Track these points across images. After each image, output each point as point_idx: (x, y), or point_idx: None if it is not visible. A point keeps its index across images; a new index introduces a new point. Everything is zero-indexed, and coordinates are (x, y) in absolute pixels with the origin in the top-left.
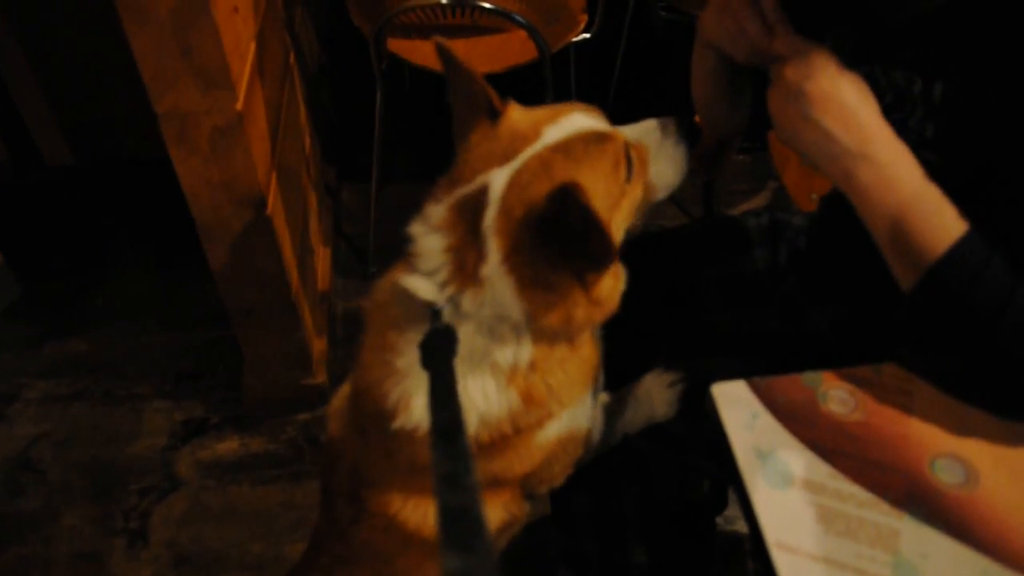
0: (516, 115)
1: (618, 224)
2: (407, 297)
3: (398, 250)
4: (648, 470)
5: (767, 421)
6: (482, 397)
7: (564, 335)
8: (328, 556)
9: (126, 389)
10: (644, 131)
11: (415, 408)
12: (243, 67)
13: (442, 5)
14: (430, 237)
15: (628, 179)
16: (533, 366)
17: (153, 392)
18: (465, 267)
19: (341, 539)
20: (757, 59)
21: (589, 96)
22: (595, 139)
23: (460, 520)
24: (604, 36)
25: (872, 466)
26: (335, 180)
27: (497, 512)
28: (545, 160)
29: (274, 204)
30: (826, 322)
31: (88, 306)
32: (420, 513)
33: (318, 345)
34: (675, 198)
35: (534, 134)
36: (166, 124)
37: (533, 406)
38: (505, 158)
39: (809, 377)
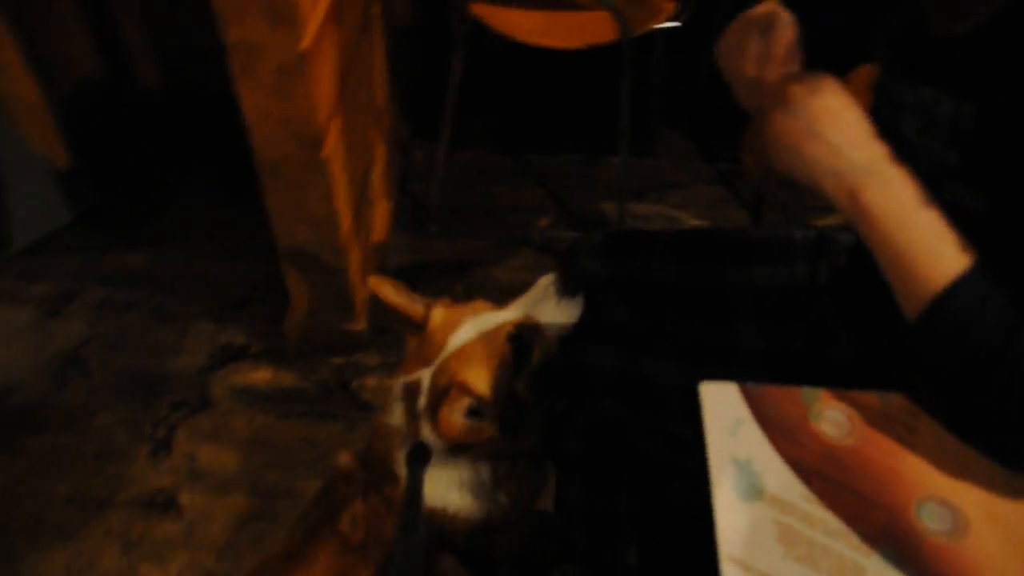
0: (435, 324)
1: (526, 386)
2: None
3: (459, 214)
4: (646, 470)
5: (751, 429)
6: (471, 502)
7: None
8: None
9: (176, 307)
10: (528, 304)
11: (436, 496)
12: (313, 7)
13: None
14: (396, 403)
15: (523, 356)
16: (498, 482)
17: (201, 314)
18: (415, 430)
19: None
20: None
21: (674, 89)
22: (482, 340)
23: None
24: (697, 25)
25: (852, 496)
26: (409, 137)
27: None
28: (446, 366)
29: (332, 148)
30: (853, 349)
31: (154, 224)
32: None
33: (362, 293)
34: (745, 203)
35: (442, 344)
36: (234, 55)
37: (518, 499)
38: (428, 361)
39: (807, 393)
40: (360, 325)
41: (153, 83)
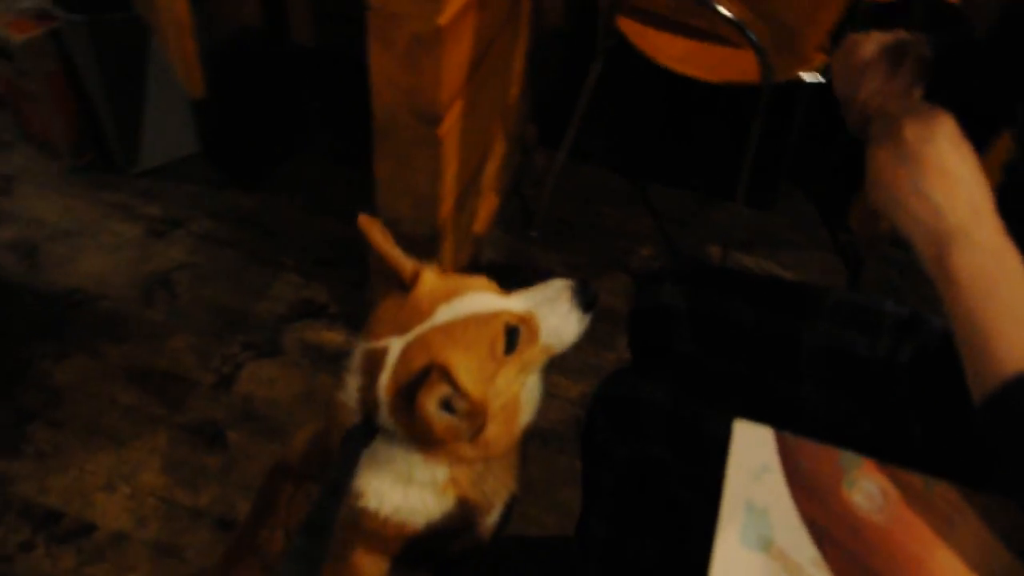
0: (424, 288)
1: (499, 388)
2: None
3: (563, 225)
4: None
5: (776, 479)
6: (422, 506)
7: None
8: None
9: (271, 254)
10: (535, 301)
11: (371, 494)
12: None
13: None
14: (350, 374)
15: (509, 351)
16: (456, 481)
17: (292, 265)
18: (369, 410)
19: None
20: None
21: (807, 147)
22: (475, 322)
23: None
24: None
25: (864, 573)
26: (534, 140)
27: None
28: (427, 340)
29: (449, 128)
30: (921, 439)
31: (272, 173)
32: (376, 566)
33: None
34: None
35: (429, 312)
36: (373, 17)
37: (473, 507)
38: (403, 329)
39: (847, 457)
40: None
41: (306, 39)
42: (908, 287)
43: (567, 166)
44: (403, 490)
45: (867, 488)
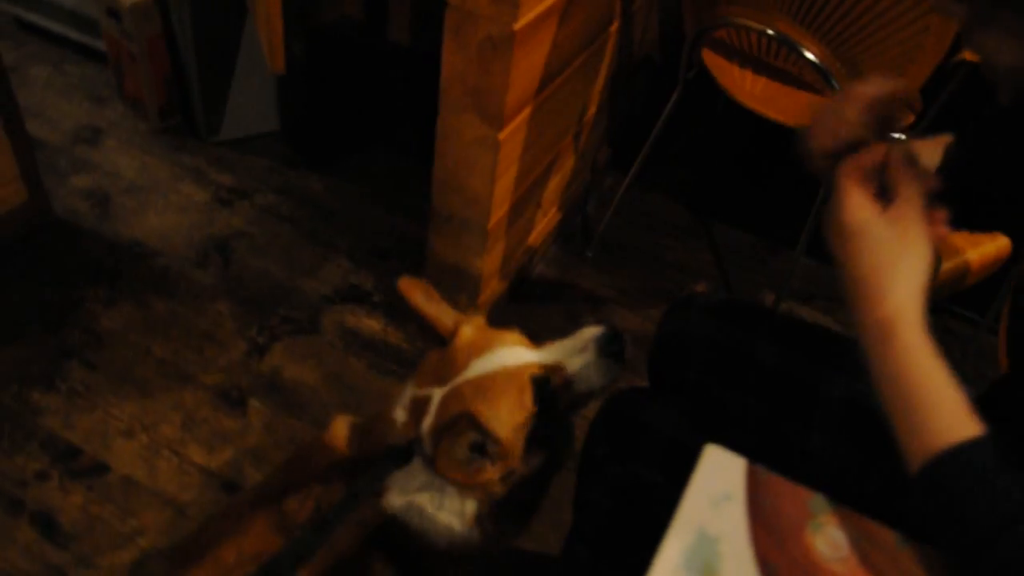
0: (461, 342)
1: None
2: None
3: (620, 250)
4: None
5: (736, 510)
6: (446, 531)
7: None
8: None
9: (327, 236)
10: (565, 350)
11: (403, 510)
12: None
13: (768, 37)
14: (399, 410)
15: (541, 400)
16: (477, 520)
17: (344, 250)
18: (413, 442)
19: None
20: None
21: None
22: (504, 374)
23: None
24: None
25: None
26: (606, 162)
27: None
28: (460, 391)
29: (511, 134)
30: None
31: (343, 160)
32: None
33: (492, 284)
34: None
35: (463, 366)
36: (450, 15)
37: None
38: (442, 380)
39: (817, 501)
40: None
41: (402, 38)
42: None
43: (634, 192)
44: (433, 513)
45: (833, 536)
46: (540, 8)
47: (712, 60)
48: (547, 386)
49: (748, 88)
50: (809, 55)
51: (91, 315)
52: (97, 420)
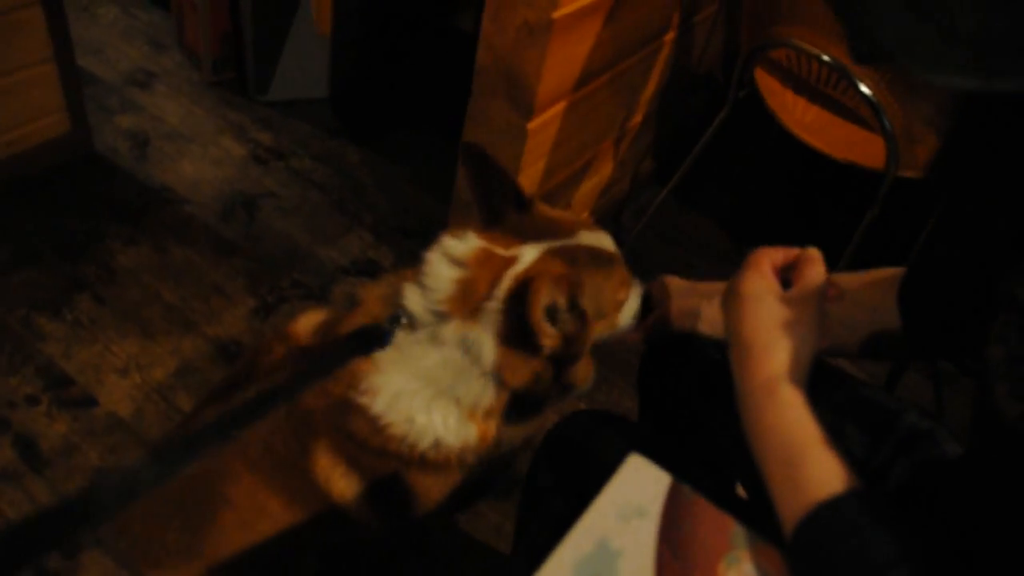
0: (551, 212)
1: (597, 336)
2: (396, 297)
3: (643, 264)
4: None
5: (646, 528)
6: (442, 425)
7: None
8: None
9: (355, 208)
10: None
11: (381, 400)
12: None
13: (821, 62)
14: (445, 266)
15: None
16: (490, 412)
17: (370, 224)
18: (467, 300)
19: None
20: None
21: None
22: (613, 259)
23: None
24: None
25: None
26: (648, 176)
27: (352, 485)
28: (573, 253)
29: (542, 126)
30: None
31: (385, 135)
32: (331, 466)
33: None
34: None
35: (571, 231)
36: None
37: (482, 448)
38: (540, 237)
39: (742, 535)
40: None
41: (467, 25)
42: (945, 406)
43: (671, 208)
44: (429, 400)
45: (747, 572)
46: (584, 1)
47: (766, 82)
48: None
49: (798, 115)
50: (863, 87)
51: (109, 251)
52: (95, 354)
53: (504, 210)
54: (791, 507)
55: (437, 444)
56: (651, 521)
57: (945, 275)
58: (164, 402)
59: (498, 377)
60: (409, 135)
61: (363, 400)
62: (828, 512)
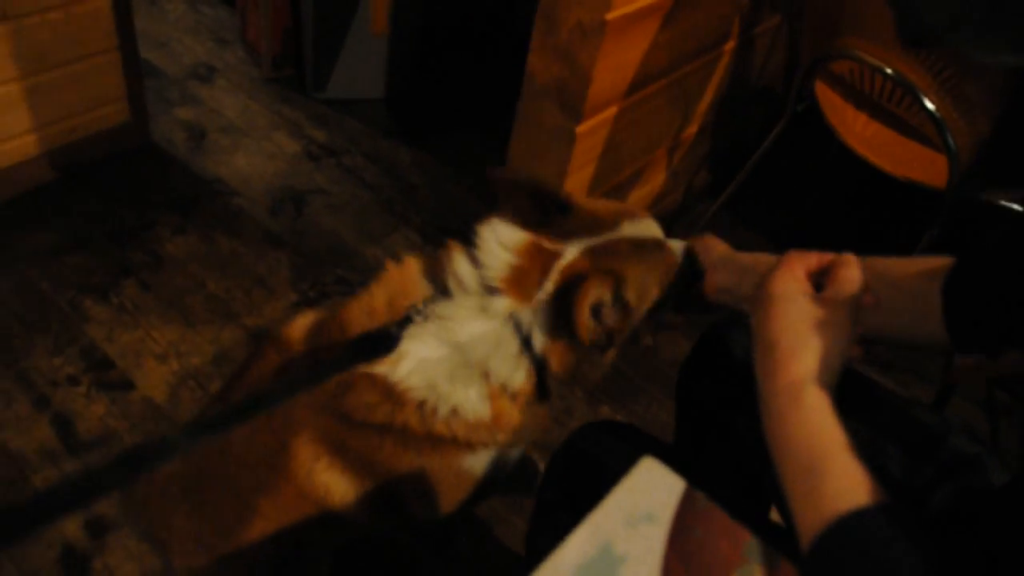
0: (591, 204)
1: (639, 319)
2: (441, 269)
3: None
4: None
5: (655, 535)
6: (463, 395)
7: (562, 379)
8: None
9: (403, 209)
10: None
11: (405, 366)
12: None
13: (885, 76)
14: (500, 249)
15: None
16: (515, 396)
17: (418, 225)
18: (520, 284)
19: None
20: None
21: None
22: (657, 246)
23: None
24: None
25: None
26: (702, 189)
27: (339, 483)
28: (615, 247)
29: (590, 130)
30: None
31: (439, 137)
32: (313, 458)
33: None
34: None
35: (613, 223)
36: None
37: (499, 429)
38: (588, 233)
39: (756, 548)
40: None
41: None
42: (993, 432)
43: (723, 222)
44: (455, 368)
45: None
46: (640, 3)
47: (826, 96)
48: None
49: (859, 130)
50: (928, 103)
51: (158, 239)
52: (137, 339)
53: (547, 216)
54: (811, 517)
55: (455, 414)
56: (661, 528)
57: (994, 270)
58: (200, 389)
59: (541, 361)
60: (462, 137)
61: (381, 369)
62: (852, 524)
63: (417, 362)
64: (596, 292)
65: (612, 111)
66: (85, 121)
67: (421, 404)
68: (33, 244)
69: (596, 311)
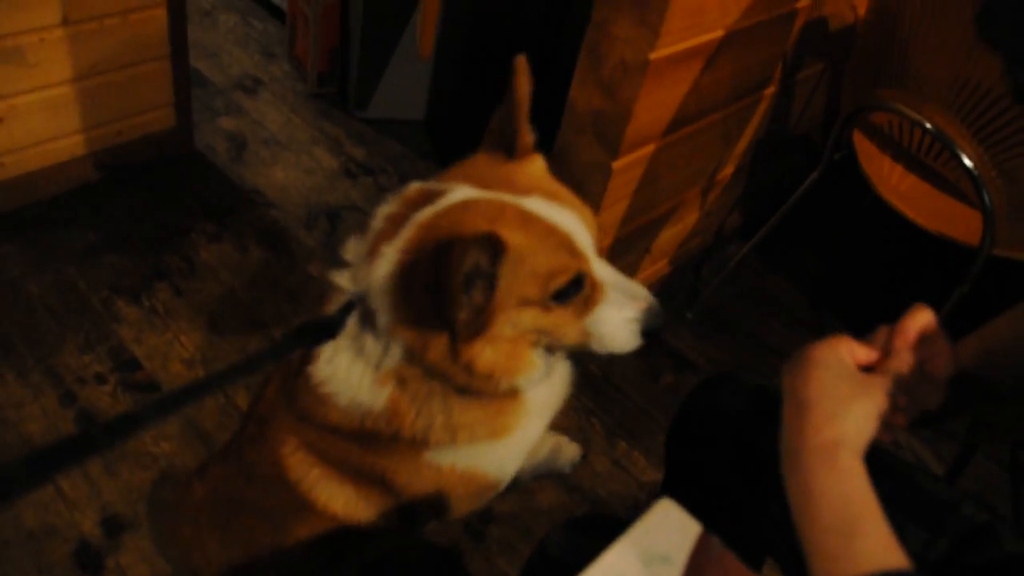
0: (532, 167)
1: (522, 321)
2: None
3: (718, 319)
4: None
5: None
6: (356, 381)
7: (434, 373)
8: (221, 467)
9: None
10: (617, 285)
11: (322, 366)
12: (686, 36)
13: (924, 130)
14: (389, 203)
15: (561, 299)
16: (403, 381)
17: None
18: (381, 238)
19: (237, 455)
20: None
21: None
22: (557, 239)
23: None
24: None
25: None
26: (734, 230)
27: (339, 494)
28: (499, 210)
29: (628, 167)
30: None
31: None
32: (304, 468)
33: None
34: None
35: (522, 190)
36: (591, 32)
37: (396, 419)
38: (480, 184)
39: None
40: None
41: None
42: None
43: (754, 266)
44: (349, 359)
45: None
46: (684, 44)
47: (864, 146)
48: (575, 294)
49: (894, 182)
50: (965, 159)
51: (193, 246)
52: (165, 342)
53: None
54: (837, 574)
55: (358, 406)
56: (675, 570)
57: None
58: (224, 397)
59: (391, 334)
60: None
61: (308, 368)
62: None
63: (329, 353)
64: (476, 255)
65: (650, 148)
66: (132, 125)
67: (330, 398)
68: (73, 242)
69: (469, 280)
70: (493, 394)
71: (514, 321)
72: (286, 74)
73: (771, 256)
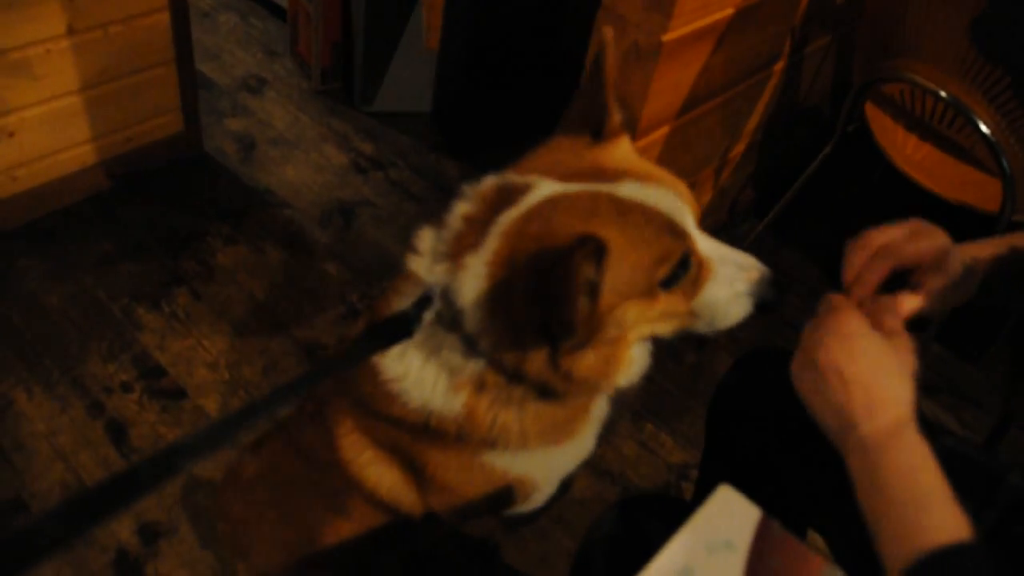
0: (620, 150)
1: (628, 318)
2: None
3: None
4: None
5: (733, 562)
6: (430, 386)
7: (525, 381)
8: (278, 443)
9: None
10: (724, 258)
11: (391, 362)
12: (698, 16)
13: (938, 98)
14: (465, 200)
15: (668, 285)
16: (483, 386)
17: None
18: (463, 243)
19: (296, 433)
20: None
21: None
22: (659, 224)
23: None
24: None
25: None
26: (747, 207)
27: (387, 476)
28: (592, 205)
29: (644, 150)
30: None
31: (486, 151)
32: (358, 449)
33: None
34: None
35: (614, 176)
36: (601, 16)
37: (470, 424)
38: (566, 177)
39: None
40: None
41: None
42: None
43: (768, 242)
44: (422, 359)
45: None
46: (695, 25)
47: (876, 118)
48: (683, 277)
49: (908, 153)
50: (982, 126)
51: (209, 249)
52: (188, 347)
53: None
54: (907, 547)
55: (430, 408)
56: (739, 555)
57: None
58: (250, 399)
59: (474, 342)
60: (508, 151)
61: (382, 359)
62: (952, 557)
63: (400, 348)
64: (584, 273)
65: (664, 130)
66: (141, 131)
67: (399, 396)
68: (89, 252)
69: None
70: (588, 397)
71: (620, 320)
72: (290, 72)
73: (785, 230)
